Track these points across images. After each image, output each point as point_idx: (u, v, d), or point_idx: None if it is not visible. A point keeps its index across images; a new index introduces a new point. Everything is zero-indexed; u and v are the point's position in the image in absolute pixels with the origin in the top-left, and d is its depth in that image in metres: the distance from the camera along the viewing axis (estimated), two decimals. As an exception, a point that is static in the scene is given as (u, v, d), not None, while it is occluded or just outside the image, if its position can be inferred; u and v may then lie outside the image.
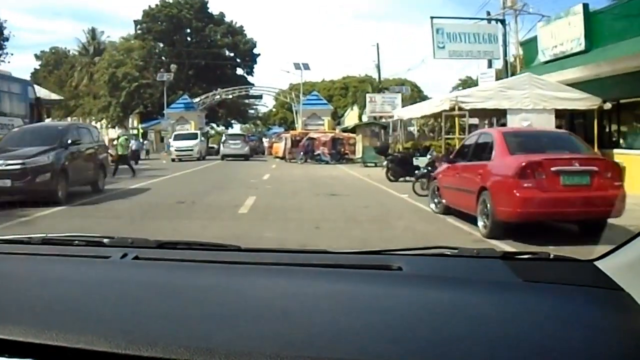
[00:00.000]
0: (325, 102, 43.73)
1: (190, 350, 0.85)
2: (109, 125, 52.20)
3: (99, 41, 55.32)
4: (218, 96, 45.48)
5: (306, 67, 41.02)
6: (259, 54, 53.77)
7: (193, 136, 32.45)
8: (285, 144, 31.95)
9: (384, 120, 28.42)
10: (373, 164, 23.54)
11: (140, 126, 46.42)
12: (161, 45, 49.24)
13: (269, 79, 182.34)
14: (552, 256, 1.35)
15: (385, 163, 16.58)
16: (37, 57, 60.47)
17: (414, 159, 14.86)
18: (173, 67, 46.39)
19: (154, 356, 0.85)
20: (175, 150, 30.75)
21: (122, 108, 47.72)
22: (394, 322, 0.99)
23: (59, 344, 0.88)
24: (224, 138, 33.93)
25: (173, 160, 29.67)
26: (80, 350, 0.87)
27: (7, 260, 1.41)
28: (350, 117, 37.95)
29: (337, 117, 46.33)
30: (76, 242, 1.57)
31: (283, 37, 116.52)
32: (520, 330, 0.95)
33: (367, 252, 1.47)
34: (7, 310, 1.02)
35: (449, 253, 1.42)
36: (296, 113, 43.45)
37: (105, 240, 1.54)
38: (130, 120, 48.81)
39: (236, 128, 57.81)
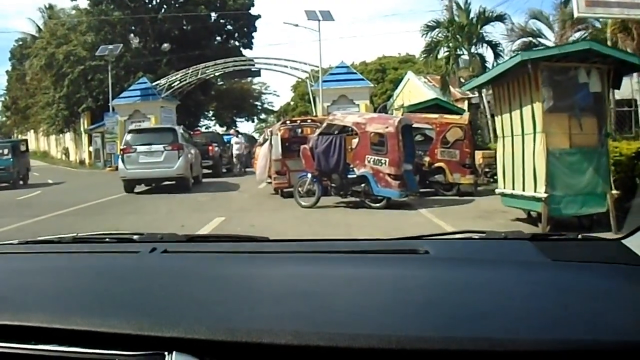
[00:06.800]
0: (361, 76, 27.39)
1: (211, 329, 0.88)
2: (54, 130, 37.98)
3: (58, 21, 41.46)
4: (195, 76, 29.68)
5: (327, 16, 24.72)
6: (258, 17, 36.46)
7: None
8: (271, 149, 12.39)
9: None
10: None
11: (88, 128, 31.83)
12: (118, 12, 33.25)
13: (274, 54, 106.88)
14: (580, 236, 1.39)
15: None
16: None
17: None
18: (133, 39, 31.74)
19: (176, 336, 0.87)
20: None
21: (67, 104, 33.19)
22: (417, 299, 0.99)
23: (82, 328, 0.90)
24: (127, 139, 14.26)
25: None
26: (105, 334, 0.89)
27: (38, 258, 1.45)
28: (411, 92, 19.93)
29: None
30: (106, 239, 1.61)
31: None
32: (549, 306, 0.94)
33: (394, 239, 1.47)
34: (32, 301, 1.04)
35: (476, 237, 1.45)
36: (313, 98, 27.32)
37: (135, 237, 1.56)
38: (81, 120, 33.94)
39: (244, 128, 42.58)
